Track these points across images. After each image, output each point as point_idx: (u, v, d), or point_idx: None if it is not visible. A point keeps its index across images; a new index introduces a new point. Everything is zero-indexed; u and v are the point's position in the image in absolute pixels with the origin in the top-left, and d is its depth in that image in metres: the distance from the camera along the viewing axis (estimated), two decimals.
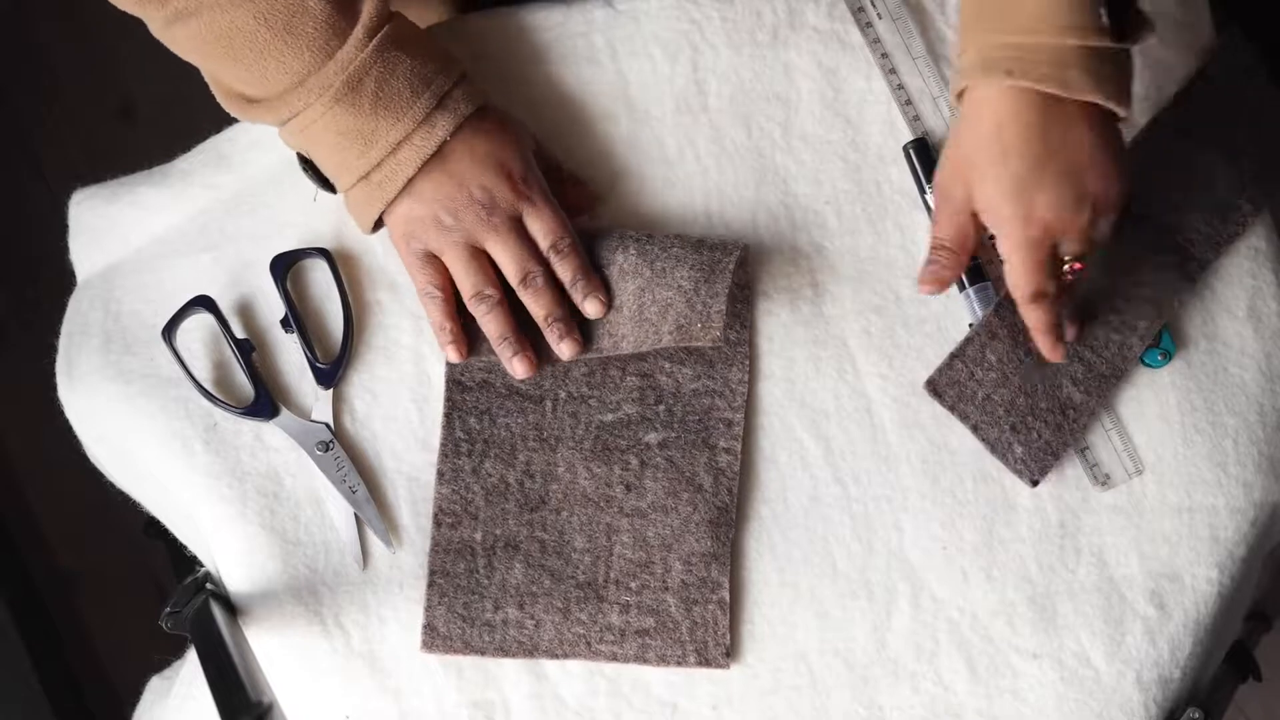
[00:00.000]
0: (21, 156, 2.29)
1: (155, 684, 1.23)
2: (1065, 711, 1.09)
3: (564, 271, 1.09)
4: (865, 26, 1.18)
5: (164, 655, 1.26)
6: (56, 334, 1.18)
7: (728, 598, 1.10)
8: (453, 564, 1.10)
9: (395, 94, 1.03)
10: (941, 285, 1.09)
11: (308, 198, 1.15)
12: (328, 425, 1.11)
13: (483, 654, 1.09)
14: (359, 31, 1.02)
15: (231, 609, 1.10)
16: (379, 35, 1.03)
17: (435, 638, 1.09)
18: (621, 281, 1.10)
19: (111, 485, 1.23)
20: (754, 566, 1.11)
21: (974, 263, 1.13)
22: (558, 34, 1.17)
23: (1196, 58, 1.19)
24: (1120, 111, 1.01)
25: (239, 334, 1.13)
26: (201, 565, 1.17)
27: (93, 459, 1.22)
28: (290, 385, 1.13)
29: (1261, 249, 1.16)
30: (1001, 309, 1.12)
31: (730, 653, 1.09)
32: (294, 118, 1.04)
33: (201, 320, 1.13)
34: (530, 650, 1.09)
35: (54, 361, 1.17)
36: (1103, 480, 1.11)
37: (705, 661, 1.09)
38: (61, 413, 1.17)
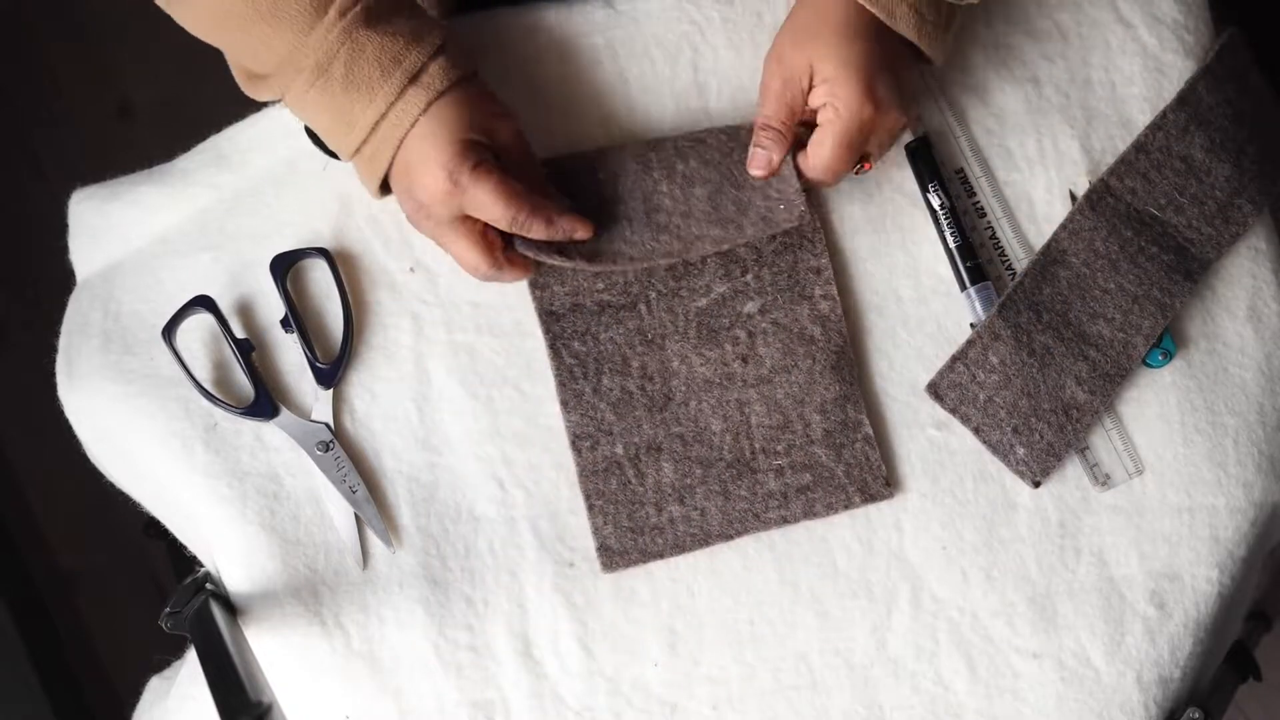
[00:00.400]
0: (21, 156, 2.29)
1: (155, 684, 1.23)
2: (1065, 711, 1.09)
3: (539, 235, 1.07)
4: None
5: (164, 655, 1.26)
6: (56, 334, 1.18)
7: (871, 432, 1.11)
8: (604, 483, 1.11)
9: (364, 76, 1.03)
10: (771, 168, 1.10)
11: (308, 198, 1.15)
12: (327, 425, 1.11)
13: (661, 556, 1.10)
14: (331, 14, 1.02)
15: (231, 609, 1.10)
16: (350, 15, 1.02)
17: (612, 556, 1.10)
18: (688, 188, 1.11)
19: (111, 485, 1.23)
20: (753, 565, 1.11)
21: (973, 264, 1.13)
22: (558, 35, 1.17)
23: (1196, 59, 1.19)
24: (932, 57, 1.09)
25: (239, 334, 1.13)
26: (201, 565, 1.17)
27: (93, 459, 1.22)
28: (290, 385, 1.13)
29: (1262, 249, 1.16)
30: (1005, 310, 1.12)
31: (890, 482, 1.11)
32: (285, 95, 1.05)
33: (201, 320, 1.13)
34: (704, 539, 1.11)
35: (54, 361, 1.17)
36: (1103, 480, 1.11)
37: (870, 497, 1.11)
38: (61, 412, 1.17)
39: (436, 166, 1.03)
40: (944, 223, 1.14)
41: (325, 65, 1.02)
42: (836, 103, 1.05)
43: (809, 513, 1.11)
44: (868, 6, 1.04)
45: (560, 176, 1.12)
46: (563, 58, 1.17)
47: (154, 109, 2.29)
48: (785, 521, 1.10)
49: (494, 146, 1.06)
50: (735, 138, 1.13)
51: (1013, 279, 1.14)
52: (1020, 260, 1.15)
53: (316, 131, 1.08)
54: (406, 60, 1.03)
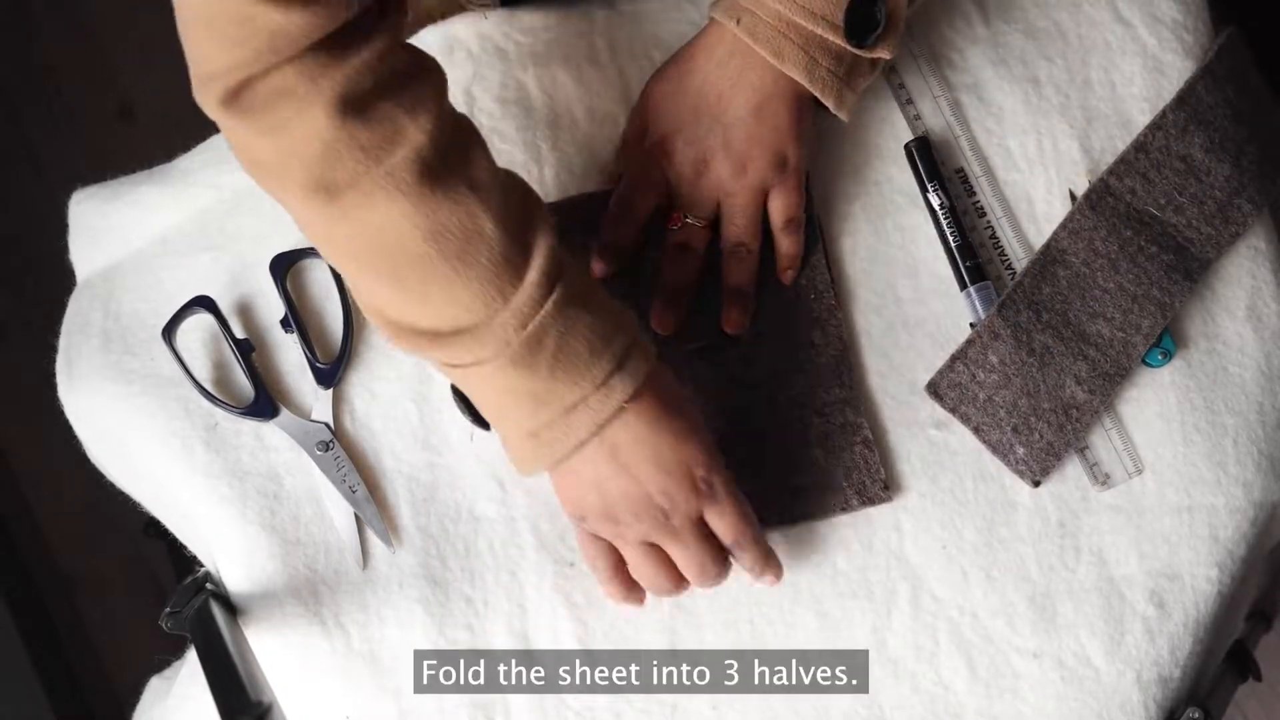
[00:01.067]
0: (22, 156, 2.30)
1: (155, 684, 1.23)
2: (1065, 711, 1.09)
3: (743, 562, 1.03)
4: None
5: (164, 655, 1.26)
6: (56, 334, 1.18)
7: (870, 435, 1.11)
8: None
9: (574, 355, 0.93)
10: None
11: None
12: (327, 425, 1.11)
13: None
14: (537, 275, 0.93)
15: (231, 609, 1.10)
16: (558, 288, 0.93)
17: None
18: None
19: (111, 485, 1.23)
20: None
21: (973, 263, 1.13)
22: (557, 34, 1.17)
23: (1196, 58, 1.19)
24: (828, 105, 1.07)
25: (239, 334, 1.13)
26: (201, 565, 1.17)
27: (93, 459, 1.22)
28: (290, 385, 1.13)
29: (1261, 248, 1.16)
30: (1004, 309, 1.12)
31: (888, 485, 1.11)
32: (472, 365, 0.95)
33: (201, 320, 1.13)
34: None
35: (54, 361, 1.18)
36: (1102, 480, 1.11)
37: (867, 500, 1.11)
38: (61, 413, 1.18)
39: (693, 464, 0.98)
40: (944, 222, 1.14)
41: (536, 343, 0.93)
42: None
43: (806, 515, 1.11)
44: (753, 45, 1.05)
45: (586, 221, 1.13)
46: (563, 57, 1.17)
47: (154, 109, 2.29)
48: (783, 523, 1.10)
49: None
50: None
51: (1012, 279, 1.14)
52: (1020, 260, 1.15)
53: (479, 404, 1.01)
54: (615, 342, 0.95)
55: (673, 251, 1.11)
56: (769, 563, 1.04)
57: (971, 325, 1.13)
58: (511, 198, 0.95)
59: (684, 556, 1.01)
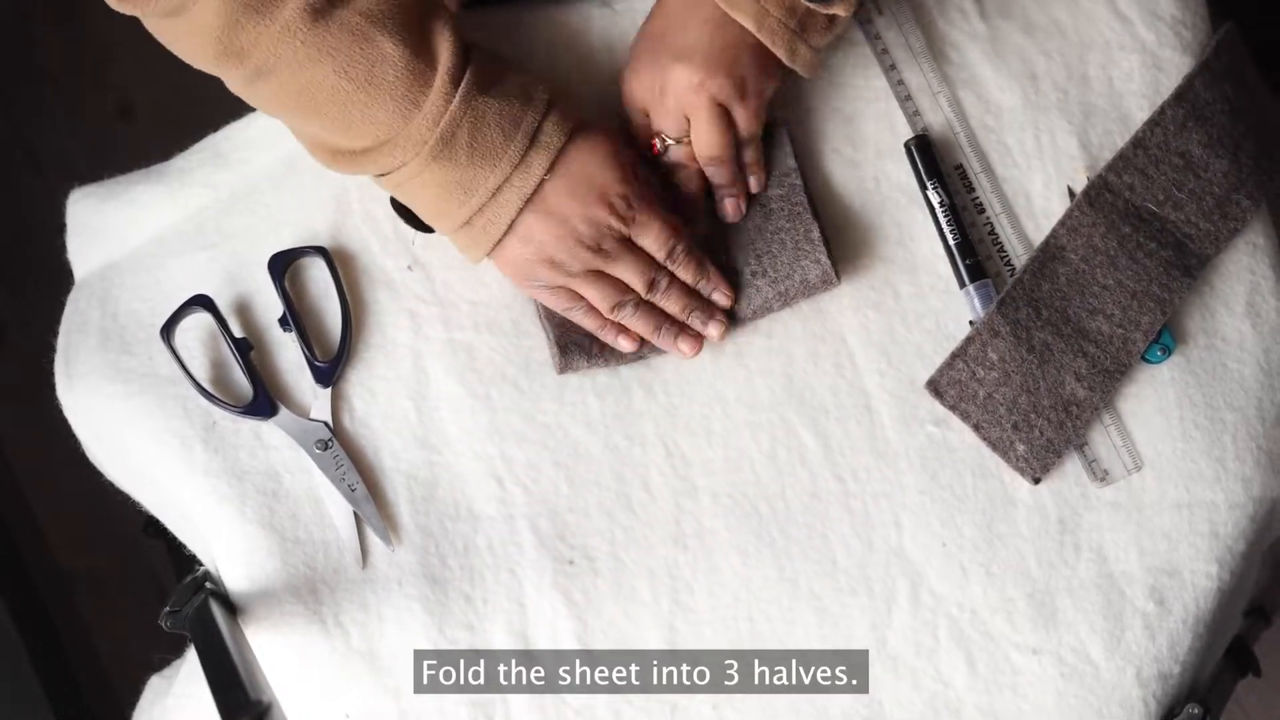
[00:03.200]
0: (20, 155, 2.29)
1: (155, 683, 1.23)
2: (1065, 707, 1.09)
3: (685, 274, 1.11)
4: (864, 23, 1.18)
5: (164, 654, 1.26)
6: (55, 333, 1.18)
7: (816, 233, 1.13)
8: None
9: (488, 141, 1.02)
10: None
11: (306, 197, 1.15)
12: (326, 424, 1.11)
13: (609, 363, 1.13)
14: (442, 78, 1.00)
15: (231, 608, 1.10)
16: (464, 82, 1.01)
17: (570, 357, 1.12)
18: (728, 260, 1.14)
19: (110, 484, 1.23)
20: (752, 562, 1.11)
21: (973, 261, 1.13)
22: (554, 33, 1.17)
23: (1194, 54, 1.19)
24: (780, 56, 1.07)
25: (237, 333, 1.13)
26: (201, 564, 1.17)
27: (91, 458, 1.22)
28: (289, 384, 1.13)
29: (1260, 244, 1.16)
30: (1004, 306, 1.12)
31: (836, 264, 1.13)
32: (386, 175, 1.04)
33: (200, 319, 1.13)
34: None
35: (52, 361, 1.17)
36: (1101, 476, 1.11)
37: (810, 289, 1.13)
38: (60, 412, 1.17)
39: (609, 191, 1.06)
40: (943, 220, 1.14)
41: (450, 136, 1.01)
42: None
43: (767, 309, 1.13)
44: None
45: None
46: (559, 56, 1.17)
47: (152, 108, 2.29)
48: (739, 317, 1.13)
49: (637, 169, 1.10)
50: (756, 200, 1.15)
51: (1012, 276, 1.14)
52: (1019, 257, 1.15)
53: (417, 207, 1.07)
54: (524, 121, 1.03)
55: (671, 177, 1.14)
56: (712, 274, 1.11)
57: (971, 323, 1.13)
58: (409, 12, 1.00)
59: (627, 272, 1.09)
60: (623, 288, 1.09)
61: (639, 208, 1.07)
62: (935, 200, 1.14)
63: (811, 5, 1.05)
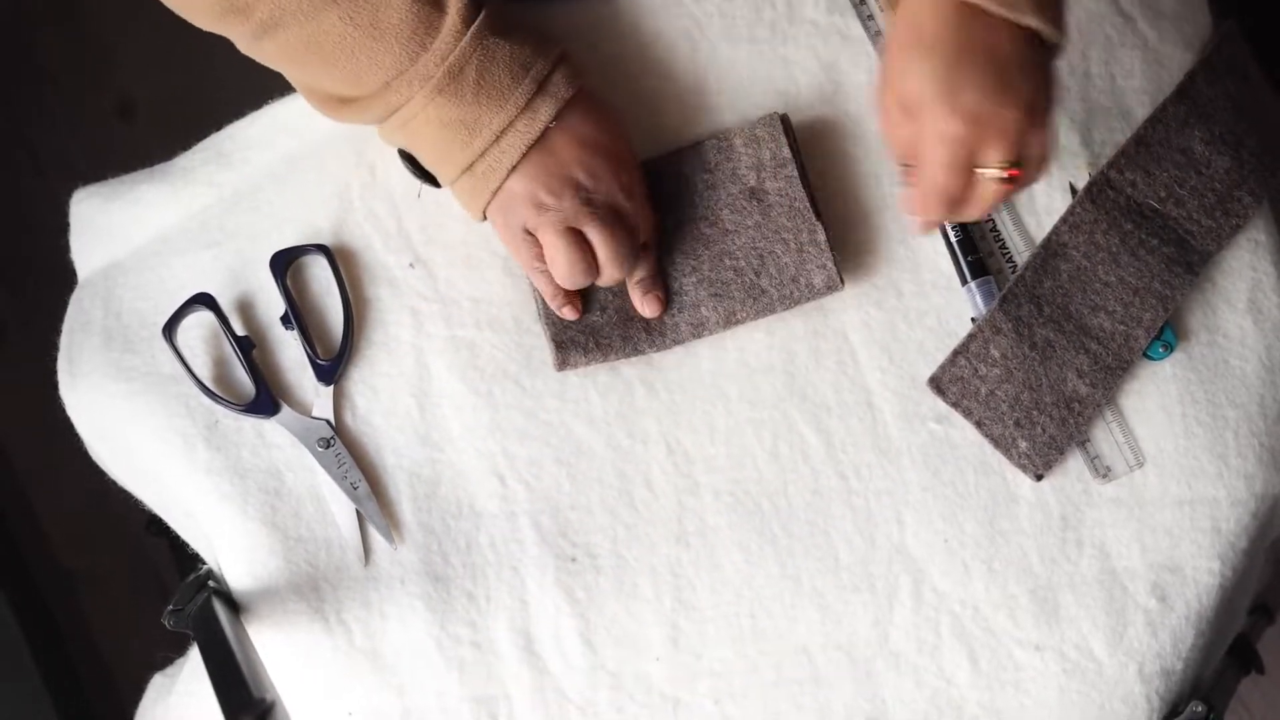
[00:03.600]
0: (21, 154, 2.30)
1: (158, 681, 1.23)
2: (1067, 704, 1.09)
3: (642, 269, 1.11)
4: (866, 19, 1.17)
5: (166, 653, 1.26)
6: (57, 332, 1.18)
7: (821, 236, 1.12)
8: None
9: (496, 81, 1.02)
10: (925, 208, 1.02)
11: (307, 195, 1.15)
12: (328, 422, 1.11)
13: (620, 354, 1.13)
14: (453, 19, 1.00)
15: (234, 606, 1.10)
16: (475, 23, 1.01)
17: (567, 353, 1.13)
18: (718, 261, 1.14)
19: (113, 483, 1.23)
20: (755, 560, 1.11)
21: (975, 258, 1.13)
22: (560, 30, 1.17)
23: (1195, 51, 1.19)
24: (1043, 31, 0.96)
25: (239, 331, 1.13)
26: (204, 563, 1.17)
27: (94, 457, 1.22)
28: (291, 382, 1.13)
29: (1261, 241, 1.16)
30: (1006, 303, 1.12)
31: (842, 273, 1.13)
32: (394, 113, 1.04)
33: (202, 318, 1.13)
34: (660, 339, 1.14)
35: (55, 360, 1.17)
36: (1103, 472, 1.12)
37: (814, 294, 1.13)
38: (63, 411, 1.18)
39: (626, 158, 1.08)
40: None
41: (458, 71, 1.01)
42: (927, 128, 0.96)
43: (767, 309, 1.13)
44: (986, 6, 0.94)
45: None
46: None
47: (154, 107, 2.29)
48: (734, 318, 1.13)
49: None
50: (756, 197, 1.14)
51: (1014, 273, 1.14)
52: (1021, 254, 1.15)
53: (421, 151, 1.07)
54: (534, 67, 1.04)
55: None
56: (657, 281, 1.12)
57: (973, 320, 1.13)
58: None
59: (601, 236, 1.06)
60: (589, 260, 1.07)
61: (636, 183, 1.09)
62: None
63: None
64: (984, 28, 0.95)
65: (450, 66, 1.01)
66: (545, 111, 1.03)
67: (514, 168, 1.04)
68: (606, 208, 1.06)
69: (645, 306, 1.12)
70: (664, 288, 1.12)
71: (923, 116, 0.96)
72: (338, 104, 1.05)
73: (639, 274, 1.11)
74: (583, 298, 1.12)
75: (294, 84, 1.08)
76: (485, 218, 1.09)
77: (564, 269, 1.06)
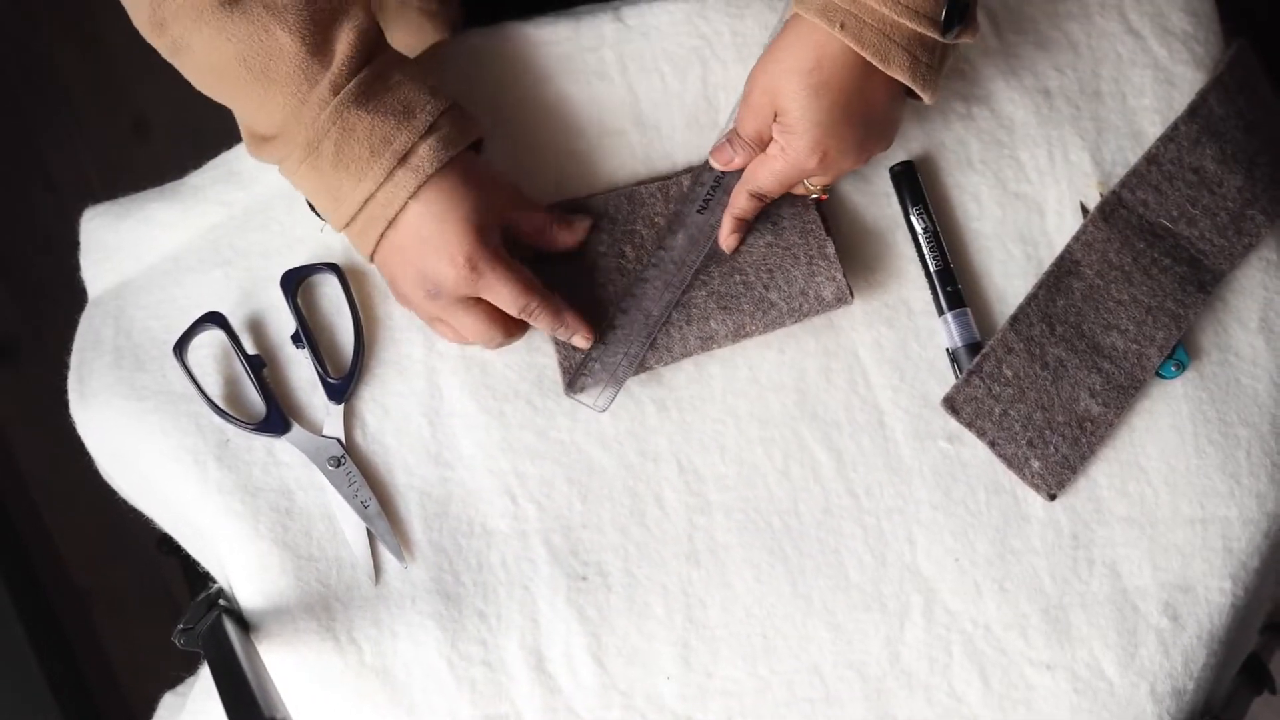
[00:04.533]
0: (34, 172, 2.30)
1: (169, 700, 1.23)
2: None
3: (542, 326, 1.09)
4: None
5: (177, 671, 1.26)
6: (69, 351, 1.18)
7: (831, 249, 1.13)
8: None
9: (353, 156, 1.02)
10: (728, 166, 1.12)
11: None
12: (339, 440, 1.11)
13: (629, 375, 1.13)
14: (326, 82, 1.01)
15: (245, 625, 1.10)
16: (344, 90, 1.01)
17: (577, 376, 1.13)
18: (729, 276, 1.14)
19: (124, 501, 1.23)
20: (766, 578, 1.10)
21: (953, 289, 1.13)
22: (567, 49, 1.17)
23: (1207, 70, 1.19)
24: (924, 98, 1.05)
25: (250, 350, 1.13)
26: (214, 581, 1.17)
27: (105, 475, 1.22)
28: (301, 401, 1.13)
29: (1273, 260, 1.16)
30: (1017, 322, 1.12)
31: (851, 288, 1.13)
32: (281, 164, 1.05)
33: (213, 336, 1.13)
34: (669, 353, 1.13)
35: (66, 378, 1.18)
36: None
37: (824, 306, 1.13)
38: (74, 429, 1.18)
39: (455, 252, 1.03)
40: (925, 246, 1.14)
41: (315, 144, 1.02)
42: (784, 144, 1.06)
43: (776, 322, 1.13)
44: (859, 51, 1.02)
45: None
46: (572, 72, 1.17)
47: (166, 125, 2.30)
48: (744, 330, 1.13)
49: (501, 226, 1.08)
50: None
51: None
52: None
53: (309, 200, 1.08)
54: (396, 141, 1.02)
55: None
56: (568, 322, 1.10)
57: (947, 351, 1.13)
58: (316, 8, 1.01)
59: (464, 327, 1.08)
60: (516, 295, 1.07)
61: (484, 268, 1.05)
62: (919, 226, 1.14)
63: (948, 41, 1.04)
64: (873, 84, 1.05)
65: (308, 140, 1.02)
66: (405, 187, 1.03)
67: (377, 244, 1.06)
68: (454, 302, 1.06)
69: (577, 342, 1.11)
70: (587, 327, 1.10)
71: (786, 133, 1.06)
72: (247, 135, 1.08)
73: (546, 327, 1.10)
74: (586, 312, 1.11)
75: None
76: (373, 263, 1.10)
77: (474, 341, 1.10)
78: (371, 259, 1.07)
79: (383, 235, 1.04)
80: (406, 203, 1.03)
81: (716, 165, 1.11)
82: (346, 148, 1.02)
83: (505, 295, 1.06)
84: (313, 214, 1.11)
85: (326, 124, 1.01)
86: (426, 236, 1.03)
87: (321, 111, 1.01)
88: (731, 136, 1.11)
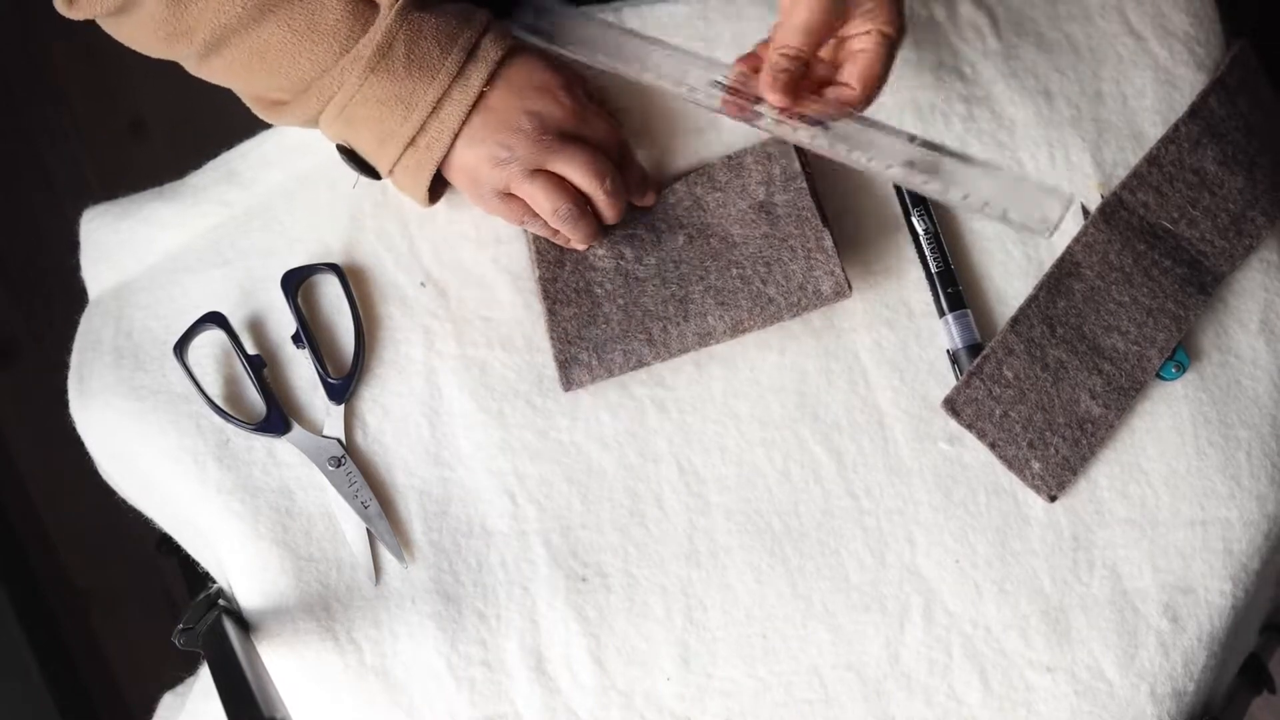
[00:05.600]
0: (33, 172, 2.30)
1: (168, 700, 1.23)
2: None
3: (630, 174, 1.12)
4: None
5: (177, 672, 1.26)
6: (69, 351, 1.18)
7: (828, 241, 1.12)
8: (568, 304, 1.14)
9: (425, 54, 1.04)
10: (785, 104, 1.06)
11: (319, 213, 1.15)
12: (339, 441, 1.11)
13: (623, 370, 1.12)
14: (383, 9, 1.03)
15: (244, 625, 1.10)
16: (399, 3, 1.03)
17: (572, 372, 1.13)
18: (725, 271, 1.13)
19: (124, 502, 1.23)
20: (766, 579, 1.10)
21: (954, 290, 1.13)
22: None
23: (1208, 71, 1.19)
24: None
25: (250, 350, 1.13)
26: (214, 581, 1.17)
27: (104, 475, 1.23)
28: (302, 401, 1.13)
29: (1274, 261, 1.16)
30: (1018, 323, 1.11)
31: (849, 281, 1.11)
32: (329, 102, 1.05)
33: (213, 336, 1.13)
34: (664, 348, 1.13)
35: (66, 378, 1.18)
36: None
37: (822, 300, 1.12)
38: (74, 429, 1.18)
39: (547, 90, 1.08)
40: (926, 247, 1.14)
41: (387, 48, 1.03)
42: (877, 22, 1.02)
43: (772, 318, 1.12)
44: None
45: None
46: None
47: (165, 125, 2.30)
48: (740, 326, 1.12)
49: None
50: (767, 209, 1.14)
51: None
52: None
53: (361, 137, 1.08)
54: (462, 37, 1.06)
55: None
56: (648, 177, 1.15)
57: (948, 352, 1.13)
58: None
59: (569, 167, 1.08)
60: (568, 191, 1.09)
61: (584, 105, 1.10)
62: (920, 228, 1.14)
63: None
64: None
65: (379, 45, 1.03)
66: (478, 76, 1.06)
67: (458, 134, 1.06)
68: (561, 139, 1.08)
69: (644, 200, 1.14)
70: (656, 184, 1.15)
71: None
72: (276, 106, 1.08)
73: (634, 177, 1.13)
74: (584, 309, 1.12)
75: (239, 94, 1.09)
76: (432, 201, 1.11)
77: (549, 207, 1.09)
78: (444, 163, 1.08)
79: (463, 124, 1.06)
80: (482, 90, 1.06)
81: (773, 99, 1.05)
82: (417, 47, 1.04)
83: (603, 131, 1.10)
84: (349, 165, 1.11)
85: (394, 26, 1.03)
86: (522, 91, 1.07)
87: (385, 18, 1.03)
88: (789, 61, 1.05)
